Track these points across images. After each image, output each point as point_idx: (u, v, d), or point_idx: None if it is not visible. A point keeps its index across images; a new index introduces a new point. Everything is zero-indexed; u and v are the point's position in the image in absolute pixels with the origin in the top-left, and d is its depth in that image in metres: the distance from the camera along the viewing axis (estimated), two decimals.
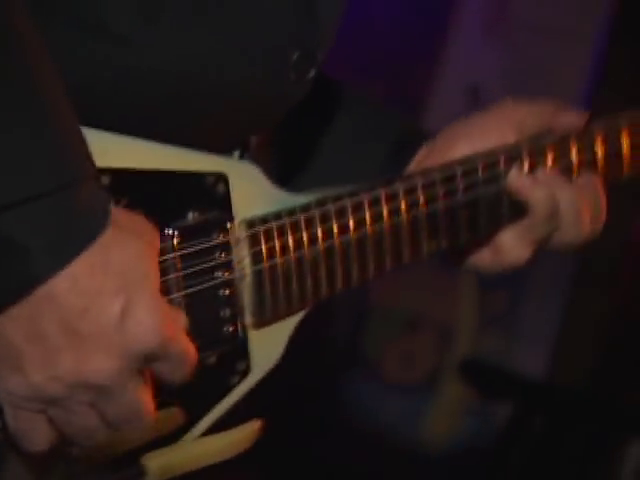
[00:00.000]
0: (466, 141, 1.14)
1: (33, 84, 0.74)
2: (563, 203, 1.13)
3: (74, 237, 0.71)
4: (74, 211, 0.72)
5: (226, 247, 0.91)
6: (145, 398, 0.77)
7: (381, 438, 3.81)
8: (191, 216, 0.90)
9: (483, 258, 1.16)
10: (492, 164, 1.11)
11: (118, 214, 0.76)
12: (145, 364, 0.75)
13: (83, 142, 0.76)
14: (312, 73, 0.99)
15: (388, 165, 1.15)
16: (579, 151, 1.15)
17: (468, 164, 1.10)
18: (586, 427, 3.23)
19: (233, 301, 0.93)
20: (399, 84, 4.21)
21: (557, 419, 3.29)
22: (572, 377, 3.78)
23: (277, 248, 0.94)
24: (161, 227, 0.86)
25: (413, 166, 1.15)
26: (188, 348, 0.79)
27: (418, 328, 3.94)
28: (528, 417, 3.36)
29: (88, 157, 0.75)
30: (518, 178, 1.12)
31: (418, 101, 3.85)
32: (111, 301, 0.72)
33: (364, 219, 1.00)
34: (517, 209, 1.13)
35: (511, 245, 1.14)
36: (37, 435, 0.75)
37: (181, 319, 0.81)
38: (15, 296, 0.70)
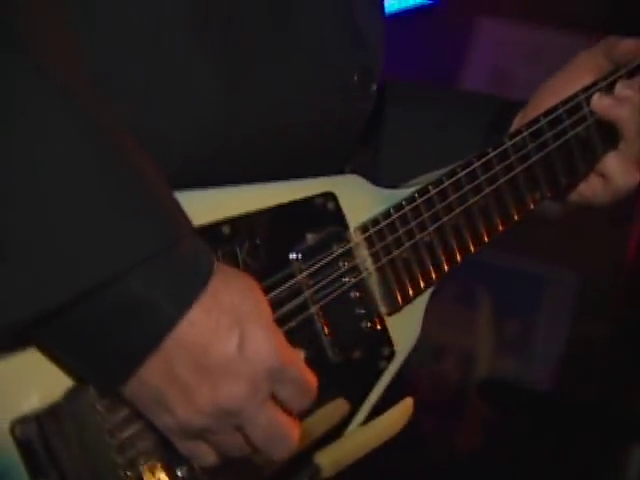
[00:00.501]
0: (552, 96, 1.14)
1: (133, 169, 0.76)
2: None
3: (188, 287, 0.75)
4: (183, 265, 0.76)
5: (348, 255, 0.95)
6: (282, 417, 0.80)
7: (417, 450, 3.87)
8: (310, 237, 0.93)
9: (595, 189, 1.15)
10: (575, 106, 1.11)
11: (217, 263, 0.80)
12: (271, 386, 0.78)
13: (178, 206, 0.79)
14: (374, 87, 1.04)
15: (489, 141, 1.13)
16: None
17: (552, 113, 1.10)
18: (592, 434, 3.38)
19: (365, 299, 0.96)
20: None
21: (567, 428, 3.44)
22: (578, 391, 3.92)
23: (392, 243, 0.97)
24: (286, 253, 0.91)
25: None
26: (306, 374, 0.82)
27: (444, 355, 4.12)
28: (540, 428, 3.52)
29: (184, 217, 0.78)
30: (601, 100, 1.12)
31: None
32: (228, 335, 0.75)
33: (465, 195, 1.02)
34: (609, 138, 1.13)
35: (618, 171, 1.13)
36: (204, 457, 0.80)
37: (298, 353, 0.85)
38: (151, 346, 0.74)
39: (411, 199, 0.97)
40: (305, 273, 0.91)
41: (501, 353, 4.15)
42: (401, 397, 0.97)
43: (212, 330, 0.75)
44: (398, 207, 0.96)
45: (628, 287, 3.71)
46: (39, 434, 0.76)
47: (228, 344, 0.76)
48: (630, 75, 1.12)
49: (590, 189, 1.15)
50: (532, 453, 3.59)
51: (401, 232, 0.97)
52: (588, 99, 1.11)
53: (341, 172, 1.01)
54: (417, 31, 4.55)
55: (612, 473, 3.27)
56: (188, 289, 0.75)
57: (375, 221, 0.95)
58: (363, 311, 0.95)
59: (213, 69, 0.89)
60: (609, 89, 1.11)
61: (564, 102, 1.09)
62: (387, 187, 1.01)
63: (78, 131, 0.73)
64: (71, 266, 0.72)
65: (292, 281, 0.90)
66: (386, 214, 0.96)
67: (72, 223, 0.73)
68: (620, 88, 1.12)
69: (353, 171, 1.03)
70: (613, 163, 1.12)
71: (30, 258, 0.71)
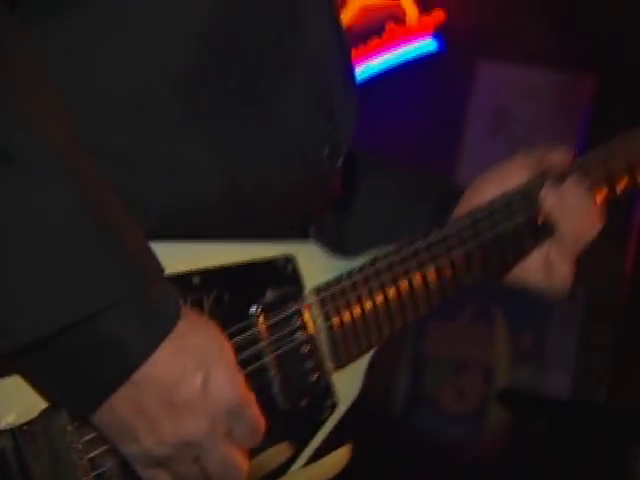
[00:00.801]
0: (491, 188, 1.19)
1: (110, 216, 0.80)
2: (574, 208, 1.17)
3: (156, 329, 0.79)
4: (152, 308, 0.80)
5: (301, 313, 0.99)
6: (235, 452, 0.84)
7: (444, 457, 4.31)
8: (269, 294, 0.97)
9: (536, 276, 1.20)
10: (508, 203, 1.17)
11: (185, 308, 0.84)
12: (228, 424, 0.83)
13: (151, 254, 0.82)
14: (340, 161, 1.09)
15: (432, 221, 1.18)
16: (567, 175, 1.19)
17: (491, 207, 1.16)
18: (604, 435, 3.57)
19: (314, 354, 1.00)
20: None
21: (582, 431, 3.63)
22: (590, 395, 4.18)
23: (341, 306, 1.02)
24: (247, 306, 0.95)
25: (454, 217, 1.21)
26: (259, 415, 0.86)
27: (466, 369, 4.37)
28: (557, 431, 3.68)
29: (156, 264, 0.82)
30: (546, 197, 1.16)
31: None
32: (193, 375, 0.80)
33: (411, 268, 1.07)
34: (541, 233, 1.19)
35: (558, 262, 1.18)
36: None
37: (252, 395, 0.87)
38: (119, 380, 0.78)
39: (361, 268, 1.03)
40: (263, 326, 0.95)
41: (517, 364, 4.32)
42: (343, 443, 1.02)
43: (179, 369, 0.80)
44: (349, 274, 1.02)
45: (630, 298, 3.93)
46: (13, 447, 0.82)
47: (193, 383, 0.80)
48: (559, 179, 1.18)
49: (526, 275, 1.20)
50: (551, 456, 3.68)
51: (350, 296, 1.02)
52: (517, 196, 1.17)
53: (305, 233, 1.06)
54: (423, 77, 4.76)
55: (624, 473, 3.44)
56: (156, 330, 0.79)
57: (328, 284, 1.01)
58: (312, 365, 0.99)
59: (195, 138, 0.93)
60: (538, 189, 1.18)
61: (502, 197, 1.16)
62: (343, 255, 1.07)
63: (60, 179, 0.77)
64: (47, 304, 0.76)
65: (250, 331, 0.95)
66: (338, 279, 1.01)
67: (50, 265, 0.77)
68: (547, 191, 1.18)
69: (318, 232, 1.08)
70: (550, 254, 1.18)
71: (10, 294, 0.76)
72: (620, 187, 1.24)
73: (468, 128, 4.78)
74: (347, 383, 1.03)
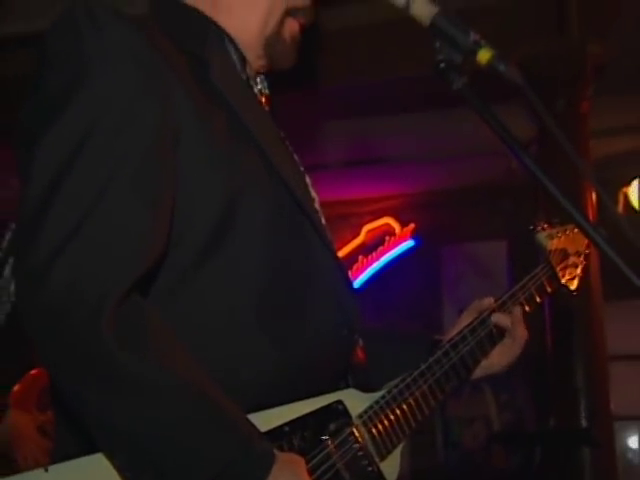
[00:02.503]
0: (452, 332, 1.40)
1: (214, 402, 0.96)
2: (516, 326, 1.41)
3: (257, 473, 0.95)
4: (255, 459, 0.96)
5: (353, 432, 1.16)
6: None
7: (469, 474, 5.67)
8: (332, 425, 1.15)
9: (495, 362, 1.41)
10: (462, 338, 1.36)
11: (277, 453, 0.98)
12: None
13: (250, 422, 0.98)
14: (356, 336, 1.24)
15: (421, 359, 1.32)
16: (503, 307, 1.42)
17: (461, 334, 1.36)
18: (559, 449, 3.95)
19: (367, 455, 1.18)
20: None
21: (547, 447, 4.24)
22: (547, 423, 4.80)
23: (377, 421, 1.20)
24: (320, 436, 1.12)
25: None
26: None
27: (474, 422, 5.80)
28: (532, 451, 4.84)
29: (254, 428, 0.98)
30: (497, 318, 1.39)
31: None
32: None
33: (412, 391, 1.26)
34: (494, 340, 1.41)
35: (507, 353, 1.42)
36: None
37: None
38: None
39: (383, 396, 1.22)
40: (332, 446, 1.12)
41: (500, 413, 5.90)
42: None
43: None
44: (377, 402, 1.21)
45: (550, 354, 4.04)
46: None
47: None
48: (500, 307, 1.42)
49: (489, 365, 1.40)
50: (532, 469, 4.84)
51: (380, 415, 1.21)
52: (477, 323, 1.38)
53: (347, 382, 1.22)
54: (405, 262, 6.26)
55: (572, 470, 3.75)
56: (258, 475, 0.95)
57: (365, 411, 1.19)
58: (366, 462, 1.17)
59: (263, 340, 1.10)
60: (488, 316, 1.40)
61: (458, 333, 1.37)
62: (371, 389, 1.24)
63: (188, 390, 0.94)
64: (185, 465, 0.92)
65: (325, 451, 1.12)
66: (371, 406, 1.20)
67: (187, 439, 0.93)
68: (495, 313, 1.40)
69: (353, 379, 1.23)
70: (501, 351, 1.41)
71: (158, 464, 0.92)
72: (530, 305, 1.48)
73: (444, 291, 6.24)
74: (390, 468, 1.23)
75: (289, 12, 1.28)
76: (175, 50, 1.12)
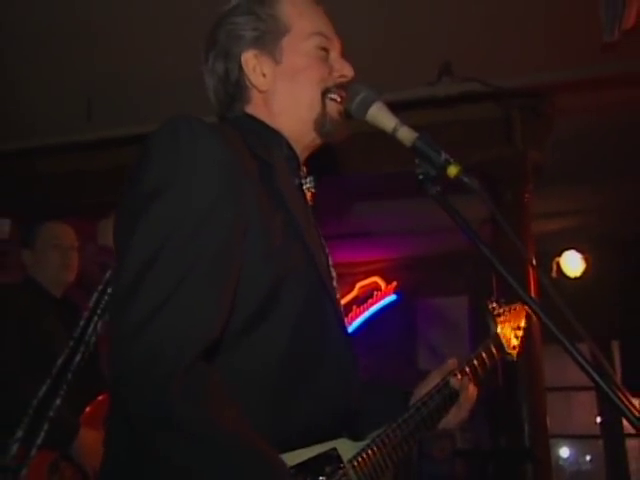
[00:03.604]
0: (426, 386, 1.33)
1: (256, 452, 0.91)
2: (465, 392, 1.32)
3: None
4: None
5: (346, 474, 1.11)
6: None
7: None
8: (328, 469, 1.10)
9: (452, 419, 1.33)
10: (430, 397, 1.30)
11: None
12: None
13: (283, 462, 0.94)
14: (357, 385, 1.15)
15: (399, 410, 1.28)
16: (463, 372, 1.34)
17: (429, 394, 1.30)
18: (505, 462, 3.90)
19: None
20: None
21: (498, 463, 4.17)
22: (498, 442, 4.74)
23: (364, 465, 1.15)
24: (318, 477, 1.07)
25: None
26: None
27: (441, 438, 5.55)
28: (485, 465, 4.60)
29: (286, 465, 0.94)
30: (455, 382, 1.31)
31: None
32: None
33: (390, 440, 1.20)
34: (450, 403, 1.32)
35: (462, 412, 1.33)
36: None
37: None
38: None
39: (368, 444, 1.17)
40: None
41: (462, 434, 5.68)
42: None
43: None
44: (363, 449, 1.15)
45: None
46: None
47: None
48: (460, 372, 1.34)
49: (448, 420, 1.32)
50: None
51: (367, 459, 1.15)
52: (442, 385, 1.30)
53: (340, 433, 1.14)
54: (387, 314, 6.21)
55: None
56: None
57: (354, 456, 1.14)
58: None
59: (285, 396, 1.04)
60: (449, 378, 1.32)
61: (427, 394, 1.30)
62: (359, 437, 1.17)
63: (236, 443, 0.89)
64: None
65: None
66: (359, 452, 1.14)
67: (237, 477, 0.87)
68: (453, 379, 1.31)
69: (346, 430, 1.16)
70: (455, 412, 1.32)
71: None
72: (483, 369, 1.42)
73: (418, 335, 6.16)
74: None
75: (326, 93, 1.21)
76: (248, 154, 1.09)
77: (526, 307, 0.98)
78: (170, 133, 1.01)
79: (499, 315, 1.59)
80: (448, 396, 1.33)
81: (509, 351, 1.55)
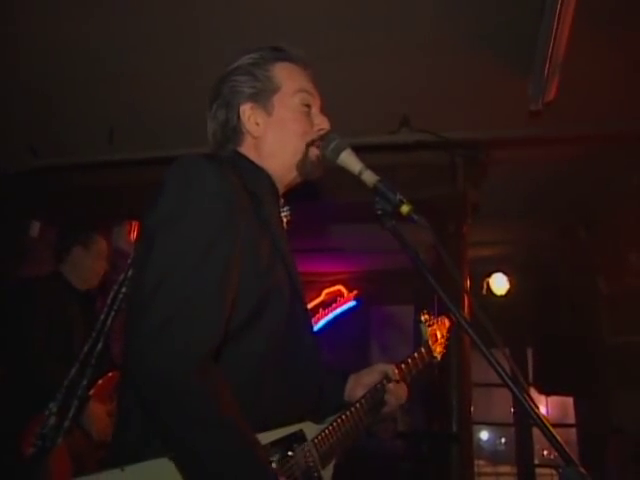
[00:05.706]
0: (356, 382, 1.34)
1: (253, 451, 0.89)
2: (396, 392, 1.34)
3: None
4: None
5: (310, 450, 1.11)
6: None
7: (380, 453, 4.64)
8: (295, 445, 1.10)
9: (387, 409, 1.34)
10: (376, 389, 1.32)
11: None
12: None
13: (263, 448, 0.94)
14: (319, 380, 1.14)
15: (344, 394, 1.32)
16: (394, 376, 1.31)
17: (370, 391, 1.31)
18: (436, 443, 3.77)
19: (315, 465, 1.12)
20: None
21: (436, 447, 3.77)
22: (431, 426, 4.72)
23: (323, 443, 1.15)
24: (288, 452, 1.06)
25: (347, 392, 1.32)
26: None
27: (385, 420, 4.30)
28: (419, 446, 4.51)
29: (265, 452, 0.94)
30: (387, 385, 1.33)
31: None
32: None
33: (344, 423, 1.21)
34: (383, 401, 1.33)
35: (392, 404, 1.35)
36: None
37: None
38: None
39: (327, 427, 1.18)
40: (294, 459, 1.07)
41: (403, 418, 5.26)
42: None
43: None
44: (323, 430, 1.16)
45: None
46: None
47: None
48: (397, 368, 1.35)
49: (385, 411, 1.33)
50: (422, 456, 4.35)
51: (326, 438, 1.16)
52: (379, 386, 1.31)
53: (304, 417, 1.13)
54: (347, 317, 6.04)
55: (446, 458, 3.40)
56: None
57: (316, 436, 1.14)
58: (314, 470, 1.11)
59: (266, 386, 1.02)
60: (387, 381, 1.32)
61: (370, 391, 1.30)
62: (320, 421, 1.17)
63: (236, 436, 0.87)
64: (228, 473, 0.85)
65: (290, 463, 1.06)
66: (320, 433, 1.15)
67: (234, 475, 0.85)
68: (387, 383, 1.31)
69: (310, 414, 1.15)
70: (391, 405, 1.34)
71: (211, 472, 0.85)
72: (417, 368, 1.43)
73: (371, 336, 6.14)
74: (327, 472, 1.18)
75: (310, 145, 1.22)
76: (242, 188, 1.07)
77: (452, 318, 0.99)
78: (182, 171, 1.01)
79: (430, 325, 1.60)
80: (384, 395, 1.36)
81: (435, 354, 1.57)
